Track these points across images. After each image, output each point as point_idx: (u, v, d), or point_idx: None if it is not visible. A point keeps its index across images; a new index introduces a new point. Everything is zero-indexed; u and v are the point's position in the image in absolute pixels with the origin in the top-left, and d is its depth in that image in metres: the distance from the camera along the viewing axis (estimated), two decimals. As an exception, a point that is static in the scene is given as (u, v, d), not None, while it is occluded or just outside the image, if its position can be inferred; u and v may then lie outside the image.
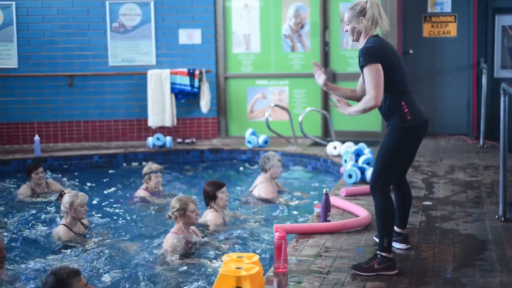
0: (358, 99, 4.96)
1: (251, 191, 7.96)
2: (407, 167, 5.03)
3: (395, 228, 5.05)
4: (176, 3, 11.22)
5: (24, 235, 6.63)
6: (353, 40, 4.87)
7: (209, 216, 6.57)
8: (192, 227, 5.98)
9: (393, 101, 4.69)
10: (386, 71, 4.63)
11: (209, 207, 6.68)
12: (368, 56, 4.61)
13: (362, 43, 4.77)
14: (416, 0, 11.00)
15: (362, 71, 4.71)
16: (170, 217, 5.84)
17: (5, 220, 7.25)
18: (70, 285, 4.11)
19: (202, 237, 6.03)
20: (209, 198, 6.68)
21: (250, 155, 10.36)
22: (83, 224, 6.46)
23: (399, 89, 4.71)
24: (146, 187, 8.01)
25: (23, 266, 5.60)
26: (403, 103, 4.69)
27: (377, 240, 4.94)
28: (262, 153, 10.03)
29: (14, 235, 6.63)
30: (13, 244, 6.26)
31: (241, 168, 10.01)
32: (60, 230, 6.28)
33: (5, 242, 5.65)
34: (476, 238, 5.43)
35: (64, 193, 6.35)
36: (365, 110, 4.69)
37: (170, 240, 5.75)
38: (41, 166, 8.33)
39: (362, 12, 4.75)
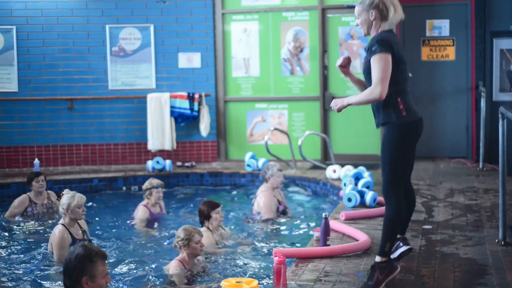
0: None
1: (253, 202, 8.02)
2: (411, 167, 4.97)
3: None
4: (176, 27, 11.28)
5: (23, 241, 6.67)
6: (365, 34, 4.88)
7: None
8: (198, 258, 5.96)
9: (390, 96, 4.68)
10: (393, 66, 4.64)
11: (203, 226, 6.70)
12: (381, 45, 4.61)
13: (373, 33, 4.81)
14: (415, 23, 11.07)
15: (369, 60, 4.68)
16: (175, 246, 5.84)
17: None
18: (95, 264, 4.04)
19: (205, 258, 6.00)
20: (204, 217, 6.72)
21: (250, 178, 10.35)
22: (81, 227, 6.46)
23: (399, 87, 4.72)
24: (147, 202, 8.01)
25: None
26: (398, 99, 4.71)
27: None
28: (261, 177, 10.08)
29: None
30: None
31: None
32: (57, 230, 6.30)
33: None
34: (476, 263, 5.41)
35: (62, 193, 6.40)
36: (367, 101, 4.67)
37: (175, 269, 5.71)
38: (42, 175, 8.33)
39: (372, 5, 4.78)
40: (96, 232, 7.71)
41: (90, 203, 9.06)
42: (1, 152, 11.10)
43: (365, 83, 5.00)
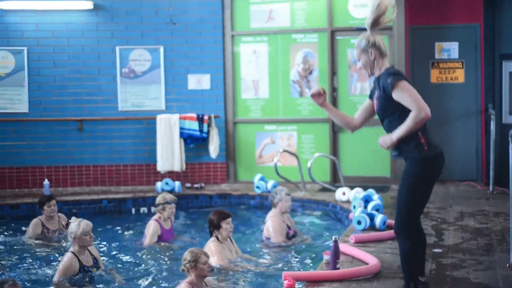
0: (351, 127, 5.02)
1: (262, 228, 8.00)
2: (426, 203, 4.94)
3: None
4: (185, 49, 11.34)
5: (35, 266, 6.66)
6: (370, 74, 4.92)
7: (209, 246, 6.57)
8: (207, 280, 5.95)
9: (410, 133, 4.69)
10: None
11: (212, 236, 6.70)
12: (396, 75, 4.66)
13: (377, 72, 4.85)
14: (424, 46, 11.08)
15: (385, 94, 4.69)
16: (183, 270, 5.83)
17: (16, 258, 7.29)
18: None
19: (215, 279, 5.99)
20: (213, 227, 6.72)
21: (259, 200, 10.34)
22: (92, 254, 6.45)
23: None
24: (159, 217, 7.99)
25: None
26: (419, 133, 4.71)
27: None
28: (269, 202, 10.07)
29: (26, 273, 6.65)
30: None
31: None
32: (66, 257, 6.30)
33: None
34: (487, 287, 5.37)
35: (70, 221, 6.40)
36: (416, 124, 4.63)
37: None
38: (54, 199, 8.31)
39: (369, 44, 4.83)
40: (104, 252, 7.70)
41: (100, 228, 9.08)
42: (11, 172, 11.14)
43: (347, 119, 5.04)
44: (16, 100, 11.18)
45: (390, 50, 10.87)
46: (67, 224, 6.43)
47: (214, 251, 6.56)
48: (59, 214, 8.50)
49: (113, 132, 11.31)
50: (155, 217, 8.04)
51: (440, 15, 10.99)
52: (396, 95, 4.67)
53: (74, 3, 11.12)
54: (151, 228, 7.93)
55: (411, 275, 4.67)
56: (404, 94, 4.63)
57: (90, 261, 6.40)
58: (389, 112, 4.75)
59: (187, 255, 5.77)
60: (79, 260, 6.27)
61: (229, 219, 6.78)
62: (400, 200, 4.76)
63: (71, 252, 6.33)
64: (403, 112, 4.71)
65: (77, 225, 6.28)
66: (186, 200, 10.48)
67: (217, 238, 6.72)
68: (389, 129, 4.83)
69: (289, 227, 7.98)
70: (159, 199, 8.01)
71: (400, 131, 4.69)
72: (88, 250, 6.43)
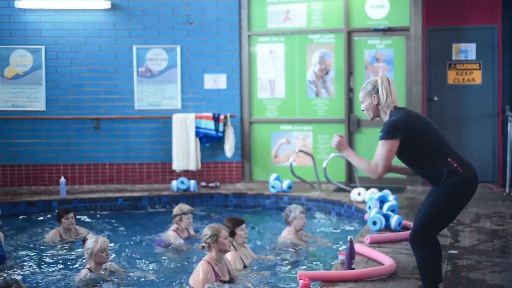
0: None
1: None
2: (450, 223, 4.96)
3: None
4: (202, 49, 11.37)
5: (51, 277, 6.65)
6: (371, 118, 4.96)
7: (226, 254, 6.57)
8: (226, 260, 5.95)
9: (438, 162, 4.68)
10: (418, 140, 4.70)
11: None
12: (389, 131, 4.69)
13: (385, 117, 4.84)
14: (441, 47, 11.04)
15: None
16: (203, 247, 5.83)
17: (31, 263, 7.28)
18: None
19: (230, 279, 5.99)
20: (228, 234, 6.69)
21: (274, 200, 10.34)
22: (106, 270, 6.45)
23: (440, 151, 4.72)
24: (177, 228, 7.99)
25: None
26: (449, 160, 4.69)
27: None
28: (286, 198, 10.07)
29: (39, 278, 6.65)
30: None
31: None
32: (83, 274, 6.29)
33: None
34: (503, 289, 5.36)
35: (87, 238, 6.38)
36: (362, 170, 4.84)
37: (201, 270, 5.68)
38: (72, 211, 8.29)
39: (374, 90, 4.85)
40: (119, 251, 7.73)
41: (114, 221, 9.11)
42: (28, 170, 11.21)
43: (403, 167, 5.06)
44: (33, 98, 11.25)
45: (406, 52, 10.84)
46: (84, 241, 6.40)
47: (230, 259, 6.50)
48: (76, 226, 8.46)
49: (129, 131, 11.36)
50: (173, 227, 8.03)
51: (457, 16, 10.95)
52: (378, 147, 4.76)
53: (91, 3, 11.17)
54: (171, 240, 7.91)
55: (428, 284, 4.67)
56: (379, 148, 4.72)
57: (106, 276, 6.39)
58: (405, 158, 4.82)
59: (207, 231, 5.79)
60: (96, 276, 6.25)
61: (243, 225, 6.77)
62: (423, 214, 4.71)
63: (87, 268, 6.32)
64: (423, 156, 4.72)
65: (94, 241, 6.25)
66: (201, 199, 10.50)
67: (233, 245, 6.69)
68: (419, 172, 4.88)
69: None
70: (176, 210, 8.01)
71: (352, 158, 4.94)
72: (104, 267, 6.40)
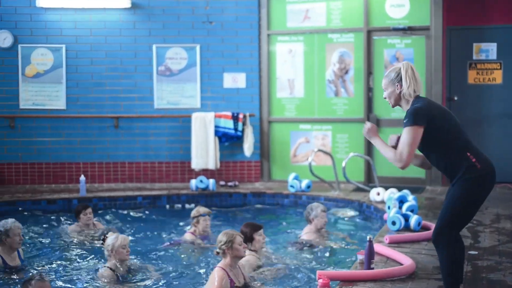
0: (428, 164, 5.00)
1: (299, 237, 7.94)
2: (471, 219, 4.92)
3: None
4: (222, 48, 11.39)
5: (70, 273, 6.70)
6: (392, 106, 4.95)
7: (245, 258, 6.56)
8: (240, 265, 5.96)
9: (457, 156, 4.67)
10: (440, 130, 4.67)
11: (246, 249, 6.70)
12: (413, 117, 4.66)
13: (406, 106, 4.82)
14: (462, 47, 10.98)
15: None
16: (218, 253, 5.85)
17: (51, 257, 7.33)
18: None
19: (246, 283, 6.00)
20: (246, 239, 6.70)
21: (293, 199, 10.33)
22: (127, 266, 6.48)
23: (459, 144, 4.70)
24: (194, 230, 7.97)
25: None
26: (468, 154, 4.66)
27: None
28: (304, 198, 10.06)
29: (59, 272, 6.70)
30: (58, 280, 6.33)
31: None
32: (103, 272, 6.33)
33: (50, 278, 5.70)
34: (524, 290, 5.32)
35: (107, 236, 6.42)
36: (388, 159, 4.78)
37: (217, 277, 5.71)
38: (90, 207, 8.40)
39: (397, 78, 4.84)
40: (138, 249, 7.76)
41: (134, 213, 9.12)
42: (48, 168, 11.29)
43: (422, 156, 5.02)
44: (54, 96, 11.33)
45: (426, 51, 10.79)
46: (104, 239, 6.44)
47: (249, 263, 6.49)
48: (95, 221, 8.55)
49: (148, 130, 11.41)
50: (191, 230, 8.03)
51: (478, 16, 10.87)
52: (403, 133, 4.72)
53: (112, 2, 11.22)
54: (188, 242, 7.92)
55: (451, 283, 4.65)
56: (404, 135, 4.68)
57: (126, 274, 6.42)
58: (424, 148, 4.78)
59: (222, 237, 5.80)
60: (116, 274, 6.29)
61: (261, 231, 6.76)
62: (444, 213, 4.72)
63: (107, 267, 6.34)
64: (443, 147, 4.70)
65: (115, 237, 6.31)
66: (220, 198, 10.51)
67: (251, 250, 6.68)
68: (437, 165, 4.85)
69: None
70: (193, 213, 7.99)
71: (379, 144, 4.87)
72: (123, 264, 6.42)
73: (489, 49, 10.90)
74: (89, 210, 8.33)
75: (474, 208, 4.74)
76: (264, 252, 6.99)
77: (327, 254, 7.39)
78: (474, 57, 10.97)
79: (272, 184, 11.23)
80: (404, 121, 4.71)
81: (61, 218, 9.42)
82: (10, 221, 6.69)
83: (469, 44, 10.97)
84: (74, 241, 8.06)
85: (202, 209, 7.99)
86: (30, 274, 5.13)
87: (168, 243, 7.98)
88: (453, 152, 4.67)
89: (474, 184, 4.64)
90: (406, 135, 4.66)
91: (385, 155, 4.81)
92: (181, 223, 9.07)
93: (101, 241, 6.51)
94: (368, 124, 4.97)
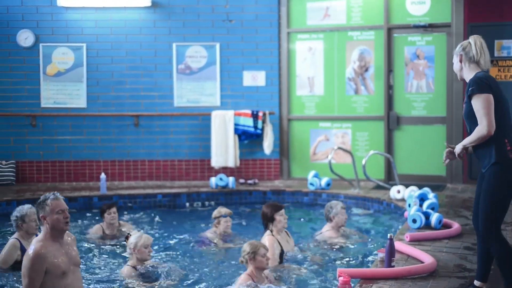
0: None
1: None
2: (507, 209, 4.94)
3: (475, 281, 5.01)
4: (241, 46, 11.39)
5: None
6: (460, 78, 4.99)
7: (264, 241, 6.57)
8: (266, 272, 5.97)
9: (496, 137, 4.70)
10: (495, 105, 4.70)
11: (267, 229, 6.71)
12: (478, 85, 4.69)
13: (467, 77, 4.87)
14: (483, 44, 10.87)
15: (469, 101, 4.75)
16: (242, 261, 5.88)
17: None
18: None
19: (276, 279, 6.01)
20: (267, 220, 6.72)
21: (313, 197, 10.32)
22: (148, 265, 6.49)
23: (502, 128, 4.73)
24: (215, 231, 7.97)
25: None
26: (506, 140, 4.71)
27: None
28: (324, 196, 10.05)
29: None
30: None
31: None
32: (125, 270, 6.35)
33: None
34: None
35: (130, 234, 6.43)
36: (478, 139, 4.73)
37: (244, 282, 5.74)
38: (115, 206, 8.24)
39: (464, 50, 4.91)
40: (160, 246, 7.78)
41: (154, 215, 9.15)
42: (69, 166, 11.36)
43: None
44: (74, 95, 11.39)
45: (448, 48, 10.73)
46: (127, 237, 6.45)
47: (268, 246, 6.55)
48: (121, 221, 8.50)
49: (168, 128, 11.44)
50: (211, 230, 8.02)
51: (499, 12, 10.78)
52: (473, 104, 4.74)
53: (132, 1, 11.26)
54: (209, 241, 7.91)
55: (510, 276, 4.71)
56: (478, 107, 4.69)
57: (149, 273, 6.43)
58: (473, 119, 4.78)
59: (246, 247, 5.83)
60: (138, 272, 6.29)
61: (283, 211, 6.79)
62: (485, 208, 4.77)
63: (129, 265, 6.36)
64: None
65: (138, 237, 6.33)
66: (240, 196, 10.52)
67: (271, 231, 6.73)
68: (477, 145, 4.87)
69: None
70: (214, 213, 7.99)
71: (466, 140, 4.83)
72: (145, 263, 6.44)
73: (511, 46, 10.81)
74: (114, 209, 8.16)
75: (506, 197, 4.78)
76: (287, 237, 6.98)
77: (347, 252, 7.37)
78: (496, 54, 10.87)
79: (292, 182, 11.22)
80: (470, 89, 4.73)
81: (84, 216, 9.46)
82: (26, 207, 6.70)
83: (490, 41, 10.87)
84: (96, 241, 8.08)
85: (223, 210, 7.98)
86: (43, 195, 5.11)
87: (194, 242, 7.97)
88: (495, 131, 4.69)
89: (505, 170, 4.69)
90: (478, 104, 4.68)
91: (473, 139, 4.76)
92: (202, 225, 9.06)
93: (125, 239, 6.52)
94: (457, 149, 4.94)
